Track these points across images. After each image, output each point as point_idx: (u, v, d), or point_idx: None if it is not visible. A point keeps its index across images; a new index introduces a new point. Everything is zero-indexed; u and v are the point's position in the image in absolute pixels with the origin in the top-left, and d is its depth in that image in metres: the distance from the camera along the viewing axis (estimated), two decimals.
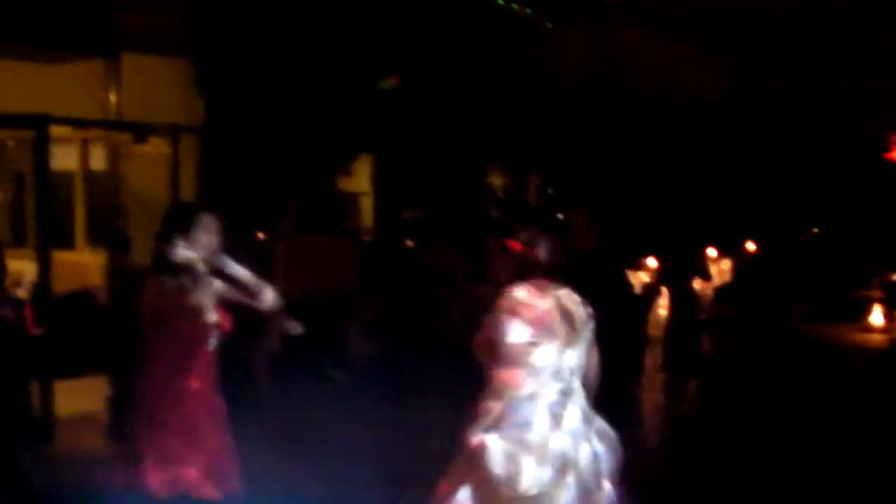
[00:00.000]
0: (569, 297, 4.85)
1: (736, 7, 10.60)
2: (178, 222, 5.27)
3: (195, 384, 5.22)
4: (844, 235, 16.78)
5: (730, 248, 17.59)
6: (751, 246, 18.29)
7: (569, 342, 4.78)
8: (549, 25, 9.98)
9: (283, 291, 10.08)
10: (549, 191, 20.55)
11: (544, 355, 4.73)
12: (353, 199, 13.02)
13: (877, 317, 10.45)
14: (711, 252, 16.74)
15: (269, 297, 5.51)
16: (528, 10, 9.27)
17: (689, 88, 13.62)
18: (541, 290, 4.82)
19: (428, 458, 5.23)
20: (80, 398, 9.97)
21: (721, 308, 9.75)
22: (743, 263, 16.46)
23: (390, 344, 10.19)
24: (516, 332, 4.70)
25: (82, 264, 11.98)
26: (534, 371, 4.71)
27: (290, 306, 10.13)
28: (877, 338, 10.24)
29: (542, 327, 4.72)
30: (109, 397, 9.83)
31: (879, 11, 10.32)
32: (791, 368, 9.00)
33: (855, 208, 17.89)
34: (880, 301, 11.25)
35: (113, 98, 10.38)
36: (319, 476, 7.61)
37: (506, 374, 4.74)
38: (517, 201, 17.90)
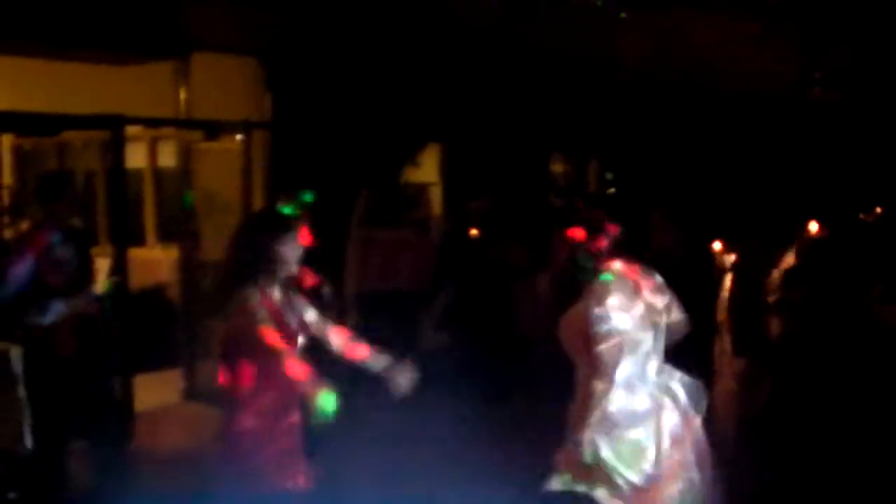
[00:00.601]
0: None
1: None
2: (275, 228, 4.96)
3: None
4: None
5: (794, 232, 17.54)
6: (813, 227, 18.27)
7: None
8: (623, 15, 9.95)
9: (356, 287, 10.28)
10: (609, 176, 20.56)
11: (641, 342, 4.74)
12: (422, 190, 13.08)
13: None
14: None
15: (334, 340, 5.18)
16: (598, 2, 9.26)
17: (753, 73, 13.57)
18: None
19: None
20: (156, 392, 10.18)
21: (794, 291, 9.69)
22: (808, 245, 16.41)
23: (463, 338, 10.24)
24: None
25: (154, 260, 12.16)
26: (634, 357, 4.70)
27: (365, 301, 10.32)
28: None
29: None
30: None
31: None
32: (867, 355, 8.95)
33: None
34: None
35: (183, 96, 10.49)
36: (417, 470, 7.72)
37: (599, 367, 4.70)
38: (579, 189, 17.93)
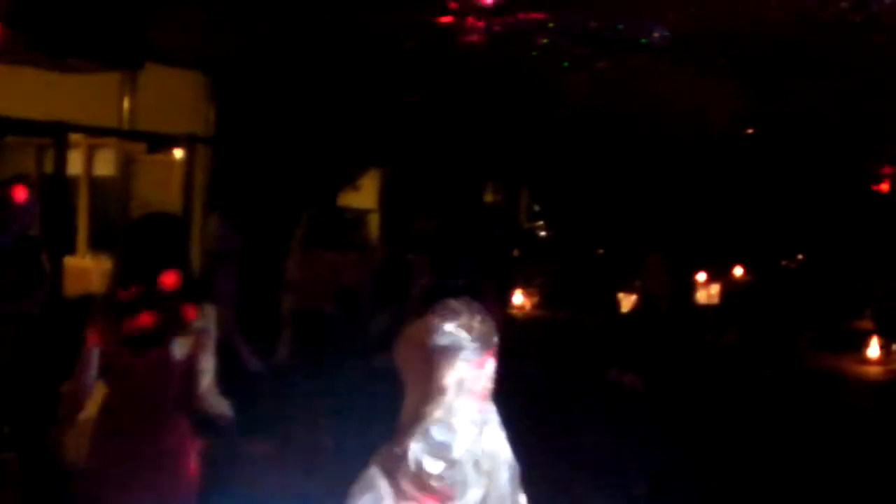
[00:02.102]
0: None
1: (736, 33, 10.70)
2: None
3: None
4: (832, 263, 16.97)
5: (718, 272, 17.83)
6: (738, 271, 18.59)
7: None
8: (566, 64, 10.05)
9: (294, 306, 10.23)
10: (536, 208, 20.73)
11: None
12: (361, 215, 13.09)
13: (873, 349, 10.61)
14: (701, 276, 16.97)
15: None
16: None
17: (690, 116, 13.74)
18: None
19: None
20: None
21: (725, 335, 9.87)
22: (732, 288, 16.69)
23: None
24: None
25: (84, 270, 12.00)
26: None
27: (301, 319, 10.27)
28: (874, 370, 10.42)
29: None
30: None
31: (877, 46, 10.46)
32: (795, 400, 9.14)
33: (842, 237, 18.09)
34: (875, 333, 11.41)
35: (126, 106, 10.39)
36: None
37: None
38: (510, 219, 18.09)
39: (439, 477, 4.66)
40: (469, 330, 4.83)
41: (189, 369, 4.59)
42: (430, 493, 4.69)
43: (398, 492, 4.66)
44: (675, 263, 7.88)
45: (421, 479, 4.60)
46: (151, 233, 4.71)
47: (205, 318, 4.61)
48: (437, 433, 4.62)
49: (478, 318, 4.91)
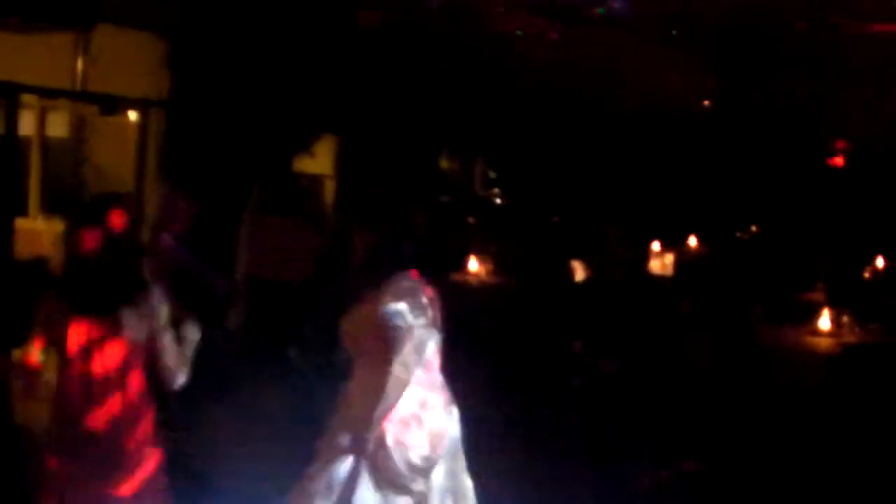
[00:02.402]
0: None
1: (696, 6, 10.75)
2: None
3: None
4: (785, 236, 17.08)
5: (673, 242, 17.91)
6: (692, 241, 18.68)
7: None
8: (519, 33, 10.05)
9: (245, 273, 10.19)
10: (492, 175, 20.73)
11: None
12: (316, 181, 13.03)
13: (825, 321, 10.69)
14: (655, 245, 17.04)
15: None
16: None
17: (651, 86, 13.78)
18: None
19: None
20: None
21: (681, 304, 9.93)
22: (686, 258, 16.78)
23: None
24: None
25: (35, 232, 11.89)
26: None
27: (252, 288, 10.23)
28: (825, 342, 10.49)
29: None
30: None
31: (836, 23, 10.55)
32: (747, 373, 9.21)
33: (796, 210, 18.20)
34: (827, 305, 11.49)
35: (80, 67, 10.27)
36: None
37: None
38: (465, 187, 18.08)
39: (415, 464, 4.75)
40: (418, 308, 4.88)
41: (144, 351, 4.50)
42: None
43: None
44: (632, 233, 7.93)
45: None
46: (101, 202, 4.67)
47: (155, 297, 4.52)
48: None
49: (424, 294, 4.96)
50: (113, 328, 4.38)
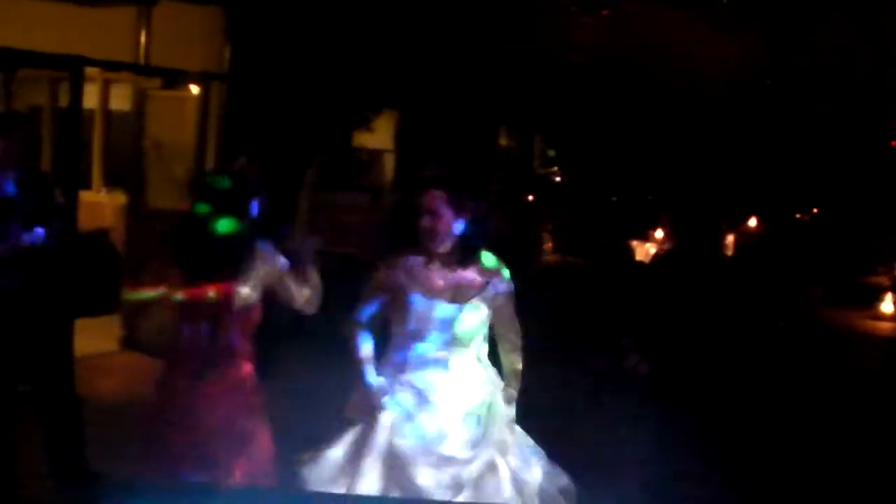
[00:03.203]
0: None
1: None
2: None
3: None
4: (846, 218, 16.89)
5: (733, 223, 17.73)
6: (752, 222, 18.48)
7: None
8: (573, 8, 9.99)
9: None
10: (551, 153, 20.67)
11: None
12: (375, 156, 13.05)
13: (888, 305, 10.54)
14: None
15: None
16: None
17: (706, 65, 13.66)
18: None
19: None
20: (94, 339, 10.05)
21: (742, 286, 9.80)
22: (746, 239, 16.60)
23: None
24: None
25: (99, 204, 12.01)
26: None
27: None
28: (888, 326, 10.36)
29: None
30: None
31: None
32: (807, 355, 9.13)
33: (858, 192, 17.98)
34: (890, 289, 11.32)
35: (143, 41, 10.34)
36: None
37: None
38: (523, 163, 18.05)
39: None
40: None
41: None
42: None
43: None
44: (695, 216, 7.82)
45: None
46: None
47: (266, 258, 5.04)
48: None
49: None
50: (219, 288, 4.91)
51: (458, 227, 4.89)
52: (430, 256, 4.94)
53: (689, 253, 7.69)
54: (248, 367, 5.14)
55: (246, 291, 4.96)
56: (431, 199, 4.88)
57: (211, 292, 4.93)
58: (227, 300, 4.93)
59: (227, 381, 5.05)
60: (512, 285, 5.05)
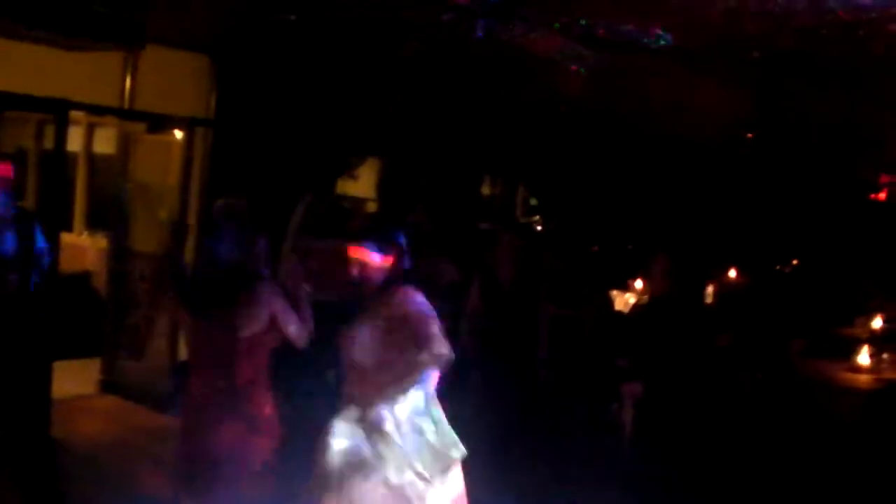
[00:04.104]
0: None
1: (738, 38, 10.73)
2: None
3: None
4: (826, 271, 16.98)
5: (712, 274, 17.81)
6: (732, 273, 18.58)
7: None
8: (582, 71, 10.08)
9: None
10: (533, 202, 20.75)
11: None
12: (359, 204, 13.11)
13: (864, 357, 10.63)
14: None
15: None
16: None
17: (691, 117, 13.78)
18: None
19: None
20: (73, 381, 10.06)
21: (721, 338, 9.85)
22: (725, 289, 16.69)
23: None
24: None
25: (81, 247, 12.04)
26: None
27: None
28: (864, 378, 10.43)
29: None
30: None
31: (877, 56, 10.50)
32: (786, 406, 9.19)
33: (837, 245, 18.10)
34: (867, 342, 11.42)
35: (128, 85, 10.40)
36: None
37: None
38: (506, 213, 18.09)
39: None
40: None
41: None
42: None
43: None
44: (682, 264, 7.89)
45: None
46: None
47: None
48: None
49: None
50: (225, 324, 5.17)
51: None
52: None
53: (665, 303, 7.76)
54: (268, 409, 5.36)
55: (249, 322, 5.19)
56: None
57: (215, 325, 5.22)
58: (231, 332, 5.17)
59: (243, 418, 5.24)
60: None
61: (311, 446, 5.19)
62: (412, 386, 4.96)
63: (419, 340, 5.00)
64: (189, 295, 5.36)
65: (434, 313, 5.13)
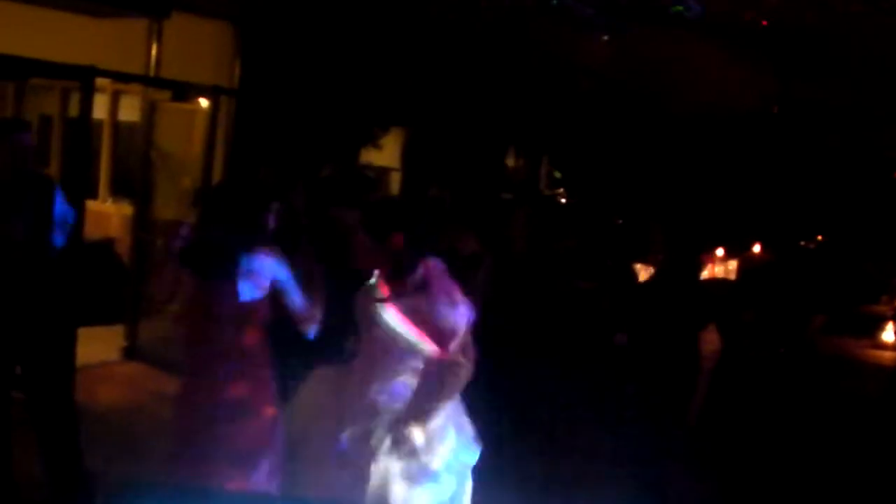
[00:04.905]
0: None
1: (770, 17, 10.67)
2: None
3: None
4: (850, 247, 16.89)
5: (737, 249, 17.75)
6: (756, 248, 18.49)
7: None
8: (605, 38, 10.03)
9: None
10: (557, 175, 20.70)
11: None
12: (382, 173, 13.09)
13: (889, 334, 10.56)
14: (719, 251, 16.88)
15: None
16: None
17: (714, 92, 13.70)
18: None
19: None
20: (96, 348, 10.08)
21: (744, 313, 9.81)
22: (749, 265, 16.61)
23: None
24: None
25: (105, 214, 12.06)
26: None
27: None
28: (888, 355, 10.37)
29: None
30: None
31: None
32: (807, 382, 9.15)
33: (862, 222, 17.98)
34: (892, 318, 11.35)
35: (153, 53, 10.39)
36: None
37: None
38: (530, 185, 18.06)
39: None
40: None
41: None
42: None
43: None
44: (680, 235, 7.81)
45: None
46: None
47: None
48: None
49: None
50: (224, 289, 5.10)
51: None
52: None
53: (664, 276, 7.67)
54: (263, 380, 5.31)
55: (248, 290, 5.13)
56: None
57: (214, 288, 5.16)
58: (232, 297, 5.11)
59: (245, 385, 5.22)
60: None
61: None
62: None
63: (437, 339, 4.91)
64: (192, 256, 5.30)
65: (455, 306, 4.96)
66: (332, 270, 5.55)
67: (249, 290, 5.13)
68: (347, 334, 5.23)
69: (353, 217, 5.69)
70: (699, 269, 9.19)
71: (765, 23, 10.06)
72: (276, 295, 5.20)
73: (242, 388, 5.19)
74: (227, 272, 5.12)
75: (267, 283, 5.17)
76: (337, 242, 6.43)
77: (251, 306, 5.15)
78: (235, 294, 5.10)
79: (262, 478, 5.21)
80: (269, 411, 5.27)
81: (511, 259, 8.67)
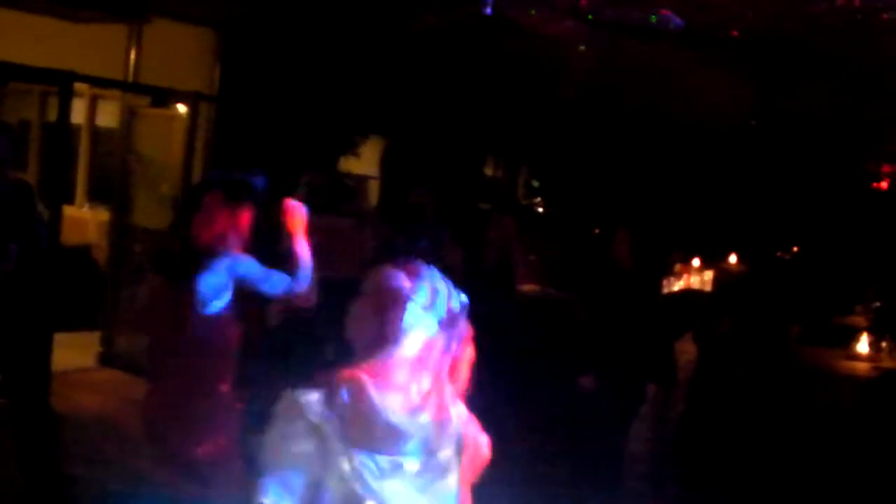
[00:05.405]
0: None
1: (744, 26, 10.71)
2: None
3: None
4: (826, 258, 17.00)
5: (713, 259, 17.87)
6: (732, 259, 18.60)
7: None
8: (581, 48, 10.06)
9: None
10: (535, 184, 20.72)
11: None
12: (361, 181, 13.08)
13: (863, 345, 10.66)
14: (695, 262, 16.98)
15: None
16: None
17: (696, 102, 13.76)
18: None
19: None
20: (71, 354, 10.03)
21: (720, 324, 9.86)
22: (725, 276, 16.72)
23: None
24: None
25: (82, 220, 12.02)
26: None
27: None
28: (863, 366, 10.46)
29: None
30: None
31: (880, 47, 10.49)
32: (783, 393, 9.20)
33: (839, 233, 18.09)
34: (866, 329, 11.45)
35: (133, 58, 10.37)
36: None
37: None
38: (508, 194, 18.07)
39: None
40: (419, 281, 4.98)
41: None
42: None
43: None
44: (649, 241, 7.81)
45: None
46: None
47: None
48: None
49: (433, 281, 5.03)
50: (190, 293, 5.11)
51: None
52: None
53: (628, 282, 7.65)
54: (225, 386, 5.34)
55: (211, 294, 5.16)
56: None
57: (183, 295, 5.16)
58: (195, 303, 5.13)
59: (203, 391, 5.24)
60: None
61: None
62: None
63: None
64: (166, 261, 5.42)
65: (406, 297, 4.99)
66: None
67: (213, 292, 5.15)
68: None
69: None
70: (663, 276, 9.22)
71: (735, 33, 10.11)
72: (245, 292, 5.22)
73: (207, 388, 5.21)
74: (192, 274, 5.15)
75: (230, 286, 5.20)
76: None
77: (216, 308, 5.18)
78: (200, 295, 5.13)
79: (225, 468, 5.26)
80: (226, 389, 5.31)
81: (486, 268, 8.69)
